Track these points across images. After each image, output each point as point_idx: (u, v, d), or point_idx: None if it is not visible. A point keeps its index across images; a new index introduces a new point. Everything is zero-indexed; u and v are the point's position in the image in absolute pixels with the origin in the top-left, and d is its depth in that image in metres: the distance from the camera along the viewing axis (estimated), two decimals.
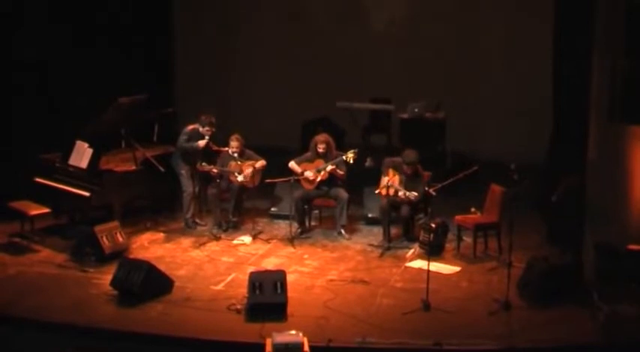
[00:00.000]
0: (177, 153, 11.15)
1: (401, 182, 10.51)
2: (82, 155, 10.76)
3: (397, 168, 10.59)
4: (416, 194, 10.30)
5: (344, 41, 14.59)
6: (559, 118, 11.27)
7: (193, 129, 11.05)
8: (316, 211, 11.55)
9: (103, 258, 9.91)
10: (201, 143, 10.95)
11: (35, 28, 11.87)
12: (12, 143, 11.50)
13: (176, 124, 11.85)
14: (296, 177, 11.00)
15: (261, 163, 11.15)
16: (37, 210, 10.63)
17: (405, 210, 10.54)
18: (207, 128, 10.94)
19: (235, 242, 10.80)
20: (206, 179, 11.30)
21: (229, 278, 9.60)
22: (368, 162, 12.84)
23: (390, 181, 10.50)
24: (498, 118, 13.98)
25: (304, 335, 7.46)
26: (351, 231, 11.17)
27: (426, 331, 8.22)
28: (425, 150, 12.31)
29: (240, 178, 11.01)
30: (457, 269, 9.92)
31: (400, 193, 10.41)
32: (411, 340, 8.03)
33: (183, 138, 11.03)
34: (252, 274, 8.96)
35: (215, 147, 11.30)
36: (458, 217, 10.54)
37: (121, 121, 11.10)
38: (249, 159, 11.12)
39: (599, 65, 9.24)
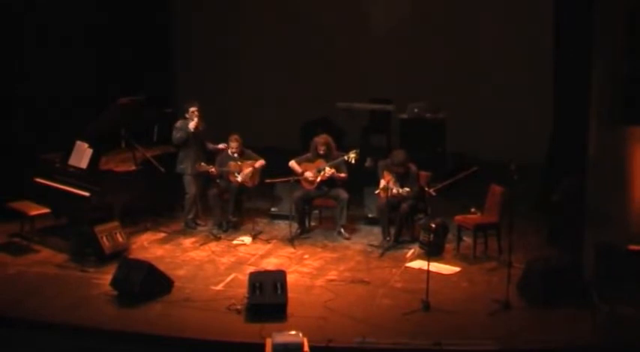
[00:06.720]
0: (181, 153, 11.15)
1: (395, 182, 10.54)
2: (82, 155, 10.75)
3: (389, 169, 10.63)
4: (407, 189, 10.37)
5: (344, 41, 14.59)
6: (559, 118, 11.27)
7: (182, 123, 11.07)
8: (316, 211, 11.55)
9: (103, 258, 9.92)
10: (191, 125, 10.95)
11: (36, 28, 11.89)
12: (12, 143, 11.49)
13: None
14: (296, 178, 11.01)
15: (260, 163, 11.16)
16: (37, 210, 10.63)
17: (404, 207, 10.56)
18: (192, 110, 10.96)
19: (235, 242, 10.80)
20: (206, 179, 11.31)
21: (229, 279, 9.60)
22: (368, 163, 12.83)
23: (386, 183, 10.54)
24: (498, 118, 13.95)
25: (304, 335, 7.45)
26: (351, 231, 11.17)
27: (426, 331, 8.21)
28: (425, 150, 12.36)
29: (239, 178, 11.02)
30: (457, 269, 9.92)
31: (394, 191, 10.45)
32: (411, 340, 8.03)
33: (173, 133, 11.07)
34: (252, 274, 8.97)
35: (214, 147, 11.31)
36: (458, 217, 10.54)
37: (121, 121, 11.10)
38: (248, 159, 11.14)
39: (599, 65, 9.23)
